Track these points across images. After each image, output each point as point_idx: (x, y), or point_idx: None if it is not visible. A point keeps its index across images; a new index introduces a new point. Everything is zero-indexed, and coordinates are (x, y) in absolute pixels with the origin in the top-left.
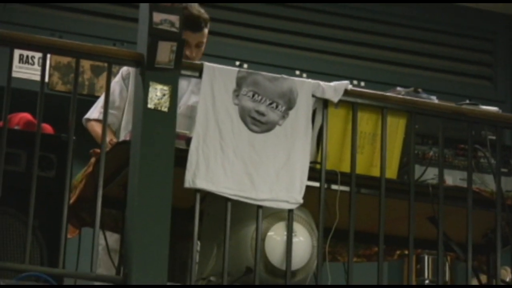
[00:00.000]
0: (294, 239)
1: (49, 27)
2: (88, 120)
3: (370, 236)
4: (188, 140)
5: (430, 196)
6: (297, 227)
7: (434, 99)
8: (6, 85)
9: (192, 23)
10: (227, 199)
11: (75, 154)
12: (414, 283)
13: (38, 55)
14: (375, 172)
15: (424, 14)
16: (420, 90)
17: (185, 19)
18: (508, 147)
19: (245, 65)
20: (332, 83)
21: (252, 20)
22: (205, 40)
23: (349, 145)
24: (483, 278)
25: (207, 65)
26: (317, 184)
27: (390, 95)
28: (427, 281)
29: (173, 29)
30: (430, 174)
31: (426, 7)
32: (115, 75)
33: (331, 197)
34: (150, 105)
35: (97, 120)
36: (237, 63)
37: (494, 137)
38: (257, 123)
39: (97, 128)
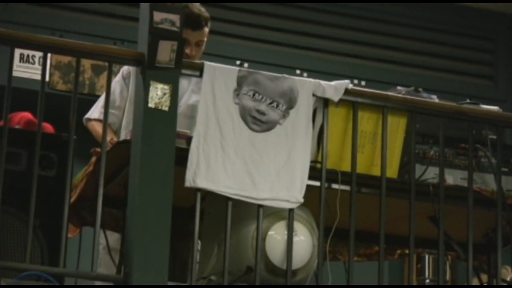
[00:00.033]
0: (295, 238)
1: (50, 26)
2: (89, 120)
3: (370, 235)
4: (188, 139)
5: (430, 196)
6: (298, 226)
7: (435, 99)
8: (6, 84)
9: (193, 21)
10: (227, 198)
11: (76, 153)
12: (414, 282)
13: (38, 54)
14: (376, 172)
15: (424, 13)
16: (420, 89)
17: (186, 17)
18: (508, 147)
19: (246, 64)
20: (333, 82)
21: (252, 19)
22: (205, 39)
23: (350, 144)
24: (484, 278)
25: (207, 64)
26: (317, 183)
27: (390, 94)
28: (427, 281)
29: (174, 28)
30: (431, 174)
31: (426, 7)
32: (115, 75)
33: (331, 196)
34: (151, 104)
35: (97, 120)
36: (238, 62)
37: (494, 137)
38: (257, 122)
39: (97, 128)
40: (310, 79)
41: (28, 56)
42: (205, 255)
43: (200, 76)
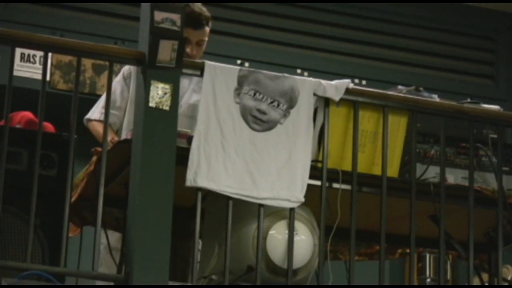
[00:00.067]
0: (296, 238)
1: (51, 26)
2: (89, 120)
3: (371, 234)
4: (189, 139)
5: (431, 195)
6: (299, 225)
7: (436, 98)
8: (7, 84)
9: (194, 20)
10: (228, 198)
11: (77, 153)
12: (415, 281)
13: (39, 53)
14: (377, 171)
15: (425, 12)
16: (421, 88)
17: (187, 16)
18: (509, 146)
19: (247, 64)
20: (334, 82)
21: (253, 18)
22: (206, 38)
23: (351, 143)
24: (485, 277)
25: (208, 63)
26: (318, 183)
27: (391, 93)
28: (428, 280)
29: (175, 28)
30: (432, 173)
31: (427, 6)
32: (116, 74)
33: (332, 196)
34: (152, 104)
35: (98, 121)
36: (239, 61)
37: (495, 136)
38: (258, 121)
39: (98, 128)
40: (311, 79)
41: (29, 55)
42: (206, 255)
43: (201, 75)
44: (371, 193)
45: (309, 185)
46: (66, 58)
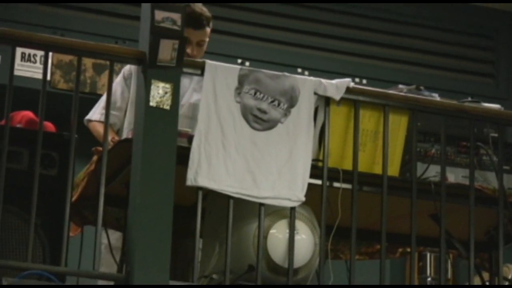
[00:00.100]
0: (296, 237)
1: (51, 25)
2: (90, 121)
3: (372, 233)
4: (190, 138)
5: (432, 194)
6: (299, 225)
7: (436, 97)
8: (8, 83)
9: (194, 21)
10: (229, 197)
11: (77, 152)
12: (416, 280)
13: (40, 53)
14: (377, 170)
15: (425, 11)
16: (422, 87)
17: (187, 16)
18: (510, 145)
19: (247, 63)
20: (334, 81)
21: (254, 18)
22: (207, 39)
23: (351, 142)
24: (486, 276)
25: (209, 63)
26: (319, 182)
27: (392, 92)
28: (429, 279)
29: (175, 27)
30: (432, 172)
31: (427, 5)
32: (117, 74)
33: (333, 195)
34: (152, 103)
35: (98, 121)
36: (239, 61)
37: (496, 135)
38: (259, 121)
39: (98, 128)
40: (312, 78)
41: (29, 55)
42: (206, 254)
43: (202, 74)
44: (372, 192)
45: (309, 184)
46: (67, 58)
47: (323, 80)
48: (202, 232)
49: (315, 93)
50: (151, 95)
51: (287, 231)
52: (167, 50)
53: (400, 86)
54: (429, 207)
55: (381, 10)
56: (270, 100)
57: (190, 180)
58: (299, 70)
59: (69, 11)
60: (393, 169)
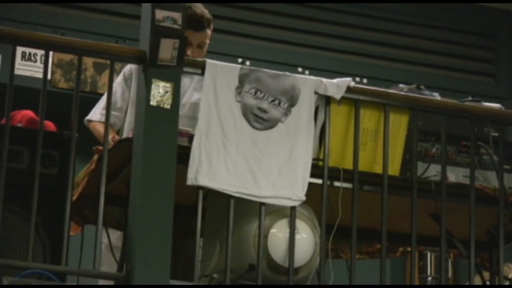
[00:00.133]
0: (297, 236)
1: (52, 25)
2: (90, 121)
3: (372, 233)
4: (190, 137)
5: (432, 193)
6: (300, 224)
7: (437, 96)
8: (8, 83)
9: (195, 22)
10: (229, 196)
11: (78, 152)
12: (416, 280)
13: (40, 52)
14: (378, 169)
15: (426, 11)
16: (422, 87)
17: (188, 18)
18: (510, 144)
19: (248, 62)
20: (335, 80)
21: (254, 17)
22: (207, 41)
23: (352, 142)
24: (486, 275)
25: (209, 62)
26: (319, 181)
27: (392, 92)
28: (429, 278)
29: (176, 26)
30: (433, 171)
31: (428, 4)
32: (117, 73)
33: (333, 194)
34: (153, 102)
35: (98, 122)
36: (240, 60)
37: (496, 134)
38: (259, 120)
39: (99, 128)
40: (312, 77)
41: (30, 54)
42: (207, 253)
43: (202, 74)
44: (372, 191)
45: (310, 184)
46: (67, 57)
47: (324, 80)
48: (202, 232)
49: (316, 93)
50: (152, 94)
51: (288, 230)
52: (167, 49)
53: (401, 85)
54: (430, 207)
55: (382, 10)
56: (270, 99)
57: (191, 179)
58: (300, 69)
59: (70, 10)
60: (394, 169)
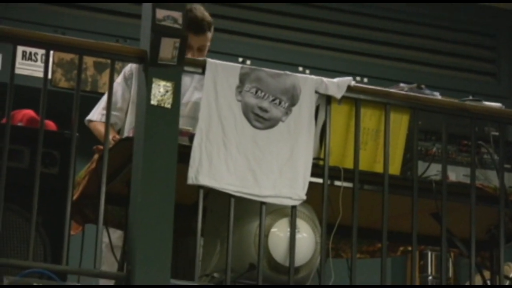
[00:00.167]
0: (298, 236)
1: (52, 24)
2: (90, 121)
3: (373, 232)
4: (191, 137)
5: (433, 192)
6: (300, 223)
7: (437, 95)
8: (9, 82)
9: (195, 26)
10: (230, 196)
11: (78, 151)
12: (417, 279)
13: (41, 51)
14: (378, 168)
15: (427, 10)
16: (423, 86)
17: (189, 21)
18: (511, 143)
19: (248, 62)
20: (335, 79)
21: (255, 16)
22: (208, 44)
23: (352, 141)
24: (487, 274)
25: (210, 61)
26: (320, 181)
27: (393, 91)
28: (430, 278)
29: (176, 26)
30: (433, 170)
31: (428, 4)
32: (118, 72)
33: (334, 194)
34: (153, 102)
35: (99, 122)
36: (240, 59)
37: (497, 133)
38: (260, 119)
39: (99, 127)
40: (313, 76)
41: (30, 53)
42: (207, 253)
43: (203, 73)
44: (373, 190)
45: (310, 183)
46: (68, 56)
47: (324, 79)
48: (203, 231)
49: (316, 92)
50: (152, 93)
51: (288, 229)
52: (168, 48)
53: (401, 84)
54: (430, 206)
55: (382, 9)
56: (271, 98)
57: (191, 179)
58: (300, 68)
59: (70, 9)
60: (394, 168)
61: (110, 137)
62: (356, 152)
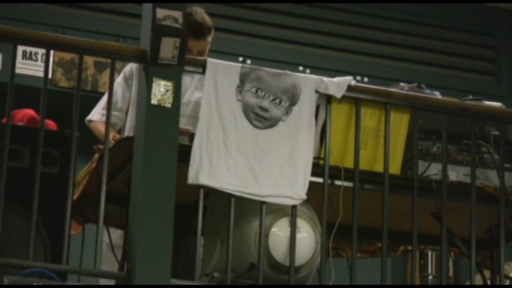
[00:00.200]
0: (298, 235)
1: (52, 23)
2: (91, 121)
3: (373, 231)
4: (191, 136)
5: (433, 192)
6: (301, 223)
7: (438, 95)
8: (9, 81)
9: (195, 30)
10: (230, 195)
11: (79, 150)
12: (417, 279)
13: (41, 51)
14: (379, 168)
15: (427, 10)
16: (423, 85)
17: (189, 25)
18: (511, 143)
19: (248, 61)
20: (336, 79)
21: (255, 16)
22: (208, 47)
23: (353, 140)
24: (487, 274)
25: (210, 61)
26: (320, 180)
27: (393, 90)
28: (430, 277)
29: (177, 25)
30: (434, 170)
31: (428, 3)
32: (118, 72)
33: (334, 193)
34: (154, 101)
35: (99, 122)
36: (240, 59)
37: (497, 133)
38: (260, 119)
39: (100, 127)
40: (313, 76)
41: (30, 53)
42: (208, 252)
43: (203, 72)
44: (373, 190)
45: (311, 182)
46: (68, 56)
47: (325, 78)
48: (203, 230)
49: (317, 91)
50: (153, 93)
51: (289, 229)
52: (168, 48)
53: (402, 84)
54: (431, 205)
55: (382, 9)
56: (271, 98)
57: (192, 178)
58: (301, 68)
59: (71, 9)
60: (395, 167)
61: (111, 136)
62: (357, 151)
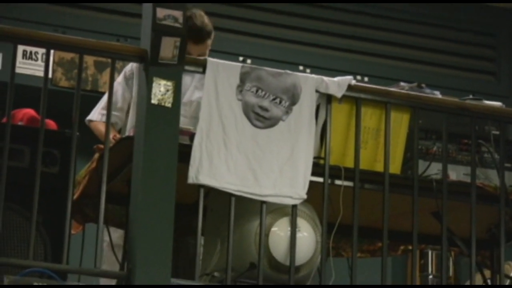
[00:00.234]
0: (298, 235)
1: (53, 23)
2: (91, 121)
3: (374, 231)
4: (191, 136)
5: (433, 191)
6: (301, 222)
7: (438, 94)
8: (9, 81)
9: (195, 35)
10: (230, 195)
11: (79, 150)
12: (417, 278)
13: (41, 51)
14: (379, 167)
15: (427, 9)
16: (423, 85)
17: (188, 29)
18: (511, 142)
19: (249, 61)
20: (336, 78)
21: (255, 15)
22: (207, 51)
23: (353, 140)
24: (487, 273)
25: (210, 60)
26: (321, 180)
27: (393, 90)
28: (430, 277)
29: (177, 25)
30: (434, 169)
31: (429, 3)
32: (118, 71)
33: (334, 193)
34: (154, 101)
35: (99, 121)
36: (241, 58)
37: (497, 132)
38: (260, 118)
39: (100, 127)
40: (313, 75)
41: (31, 52)
42: (208, 252)
43: (203, 72)
44: (373, 189)
45: (311, 182)
46: (68, 55)
47: (325, 78)
48: (203, 230)
49: (317, 91)
50: (153, 92)
51: (289, 229)
52: (168, 47)
53: (402, 83)
54: (431, 205)
55: (383, 8)
56: (271, 97)
57: (192, 178)
58: (301, 67)
59: (71, 9)
60: (395, 167)
61: (111, 136)
62: (357, 151)
